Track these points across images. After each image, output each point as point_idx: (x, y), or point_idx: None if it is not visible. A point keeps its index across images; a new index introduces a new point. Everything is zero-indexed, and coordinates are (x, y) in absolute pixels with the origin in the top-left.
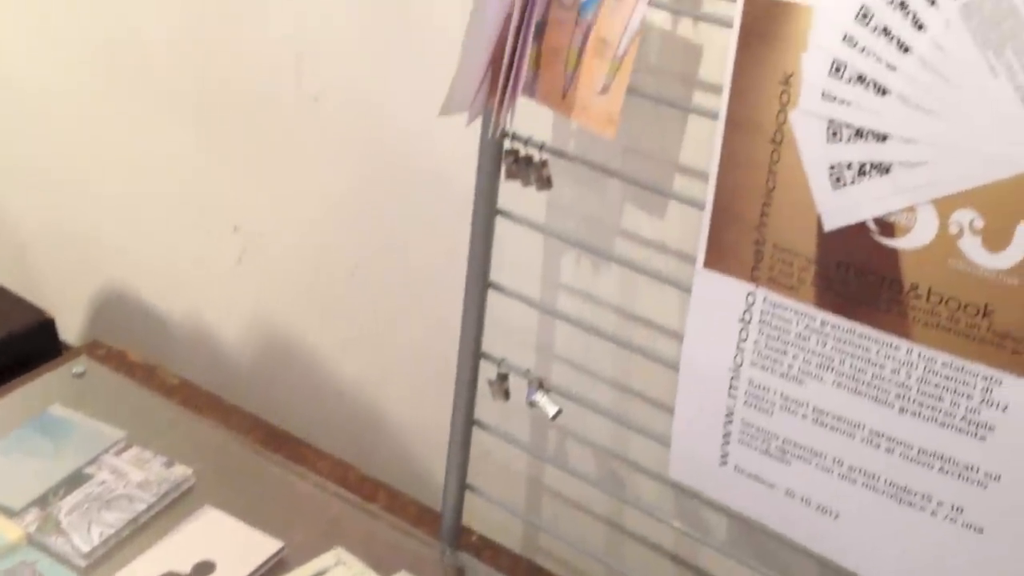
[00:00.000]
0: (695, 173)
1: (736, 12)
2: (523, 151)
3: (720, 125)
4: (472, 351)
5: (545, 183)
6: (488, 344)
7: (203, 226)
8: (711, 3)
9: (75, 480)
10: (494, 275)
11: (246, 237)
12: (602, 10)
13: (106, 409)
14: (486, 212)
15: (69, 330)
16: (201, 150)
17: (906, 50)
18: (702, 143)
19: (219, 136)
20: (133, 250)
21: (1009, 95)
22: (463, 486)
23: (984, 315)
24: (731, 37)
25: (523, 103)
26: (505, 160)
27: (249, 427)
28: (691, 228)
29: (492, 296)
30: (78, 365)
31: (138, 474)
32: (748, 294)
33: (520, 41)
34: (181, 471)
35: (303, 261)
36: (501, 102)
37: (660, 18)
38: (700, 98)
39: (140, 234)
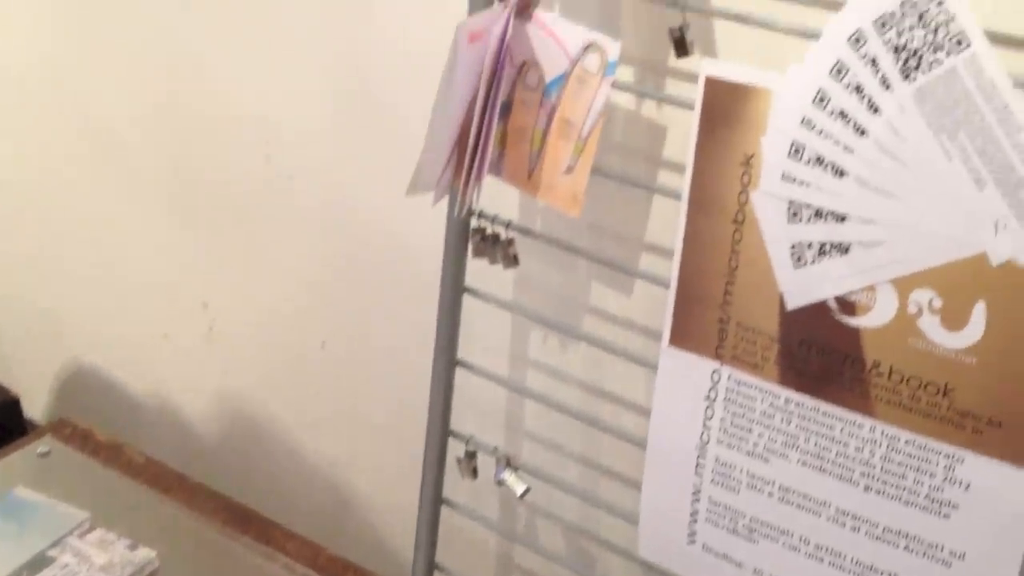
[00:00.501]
0: (661, 250)
1: (697, 94)
2: (490, 229)
3: (683, 205)
4: (440, 429)
5: (512, 261)
6: (456, 421)
7: (171, 302)
8: (674, 85)
9: (38, 564)
10: (462, 352)
11: (215, 313)
12: (566, 92)
13: (71, 489)
14: (453, 289)
15: (35, 407)
16: (170, 226)
17: (863, 133)
18: (668, 221)
19: (188, 213)
20: (101, 326)
21: (963, 178)
22: (432, 565)
23: (944, 394)
24: (692, 119)
25: (490, 181)
26: (472, 238)
27: (216, 506)
28: (658, 304)
29: (460, 373)
30: (43, 445)
31: (101, 557)
32: (713, 372)
33: (486, 121)
34: (145, 554)
35: (272, 337)
36: (467, 181)
37: (624, 98)
38: (665, 177)
39: (108, 310)
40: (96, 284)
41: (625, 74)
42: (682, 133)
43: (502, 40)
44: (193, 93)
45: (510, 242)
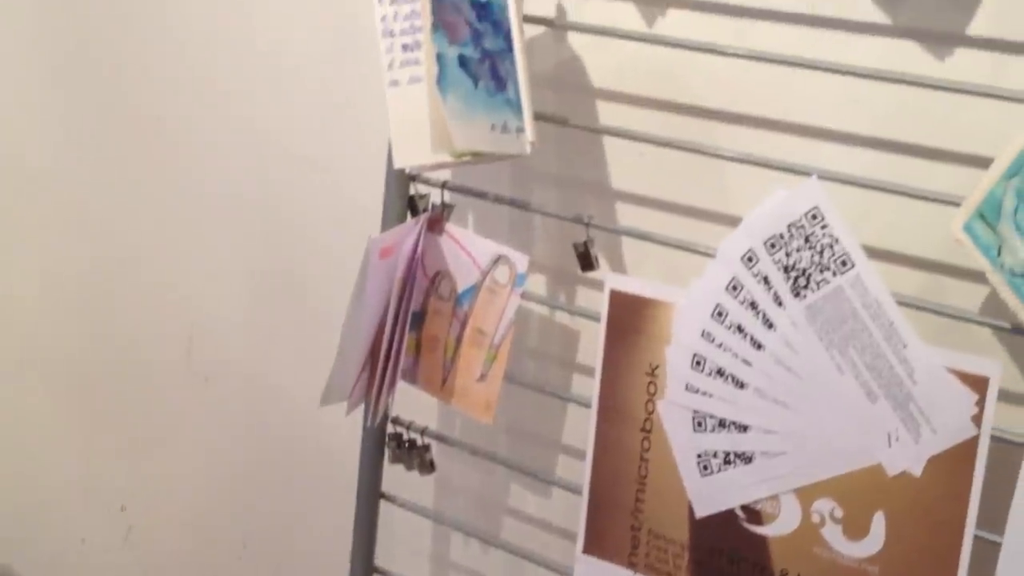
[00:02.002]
0: (577, 453)
1: (603, 307)
2: (406, 435)
3: (593, 413)
4: None
5: (428, 467)
6: None
7: (89, 505)
8: (584, 293)
9: None
10: (381, 556)
11: (133, 515)
12: (478, 302)
13: None
14: (369, 496)
15: None
16: (83, 427)
17: (759, 347)
18: (583, 424)
19: (105, 413)
20: (14, 531)
21: (856, 391)
22: None
23: None
24: (599, 330)
25: (406, 386)
26: (388, 445)
27: None
28: (576, 505)
29: None
30: None
31: None
32: None
33: (397, 331)
34: None
35: (192, 539)
36: (379, 391)
37: (538, 304)
38: (579, 381)
39: (22, 514)
40: (9, 487)
41: (537, 282)
42: (594, 339)
43: (413, 251)
44: (113, 289)
45: (427, 448)
